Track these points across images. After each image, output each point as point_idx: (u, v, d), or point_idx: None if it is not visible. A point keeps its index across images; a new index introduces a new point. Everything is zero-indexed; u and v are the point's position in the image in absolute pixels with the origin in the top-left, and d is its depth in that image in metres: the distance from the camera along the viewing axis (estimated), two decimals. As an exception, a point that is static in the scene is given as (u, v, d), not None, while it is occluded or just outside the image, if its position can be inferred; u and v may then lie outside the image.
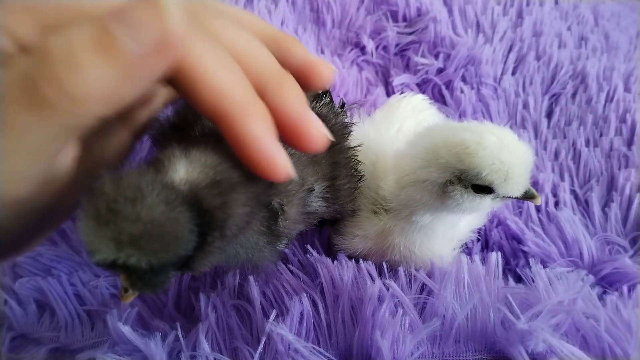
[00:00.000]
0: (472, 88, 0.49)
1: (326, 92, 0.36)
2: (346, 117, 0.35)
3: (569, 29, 0.53)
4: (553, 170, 0.44)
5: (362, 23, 0.53)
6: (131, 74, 0.19)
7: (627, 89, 0.48)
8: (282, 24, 0.52)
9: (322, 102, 0.34)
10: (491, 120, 0.47)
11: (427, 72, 0.50)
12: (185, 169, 0.22)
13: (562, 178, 0.44)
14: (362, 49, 0.52)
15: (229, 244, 0.24)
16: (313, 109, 0.27)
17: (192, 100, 0.22)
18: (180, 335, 0.30)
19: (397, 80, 0.50)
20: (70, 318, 0.37)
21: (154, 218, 0.20)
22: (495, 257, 0.36)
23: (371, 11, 0.54)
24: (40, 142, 0.19)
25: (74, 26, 0.18)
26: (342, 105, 0.39)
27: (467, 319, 0.31)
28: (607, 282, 0.38)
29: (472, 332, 0.32)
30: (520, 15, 0.54)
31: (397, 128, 0.39)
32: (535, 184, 0.43)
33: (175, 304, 0.35)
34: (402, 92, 0.48)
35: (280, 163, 0.22)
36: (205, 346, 0.29)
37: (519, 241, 0.40)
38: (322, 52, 0.51)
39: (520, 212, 0.41)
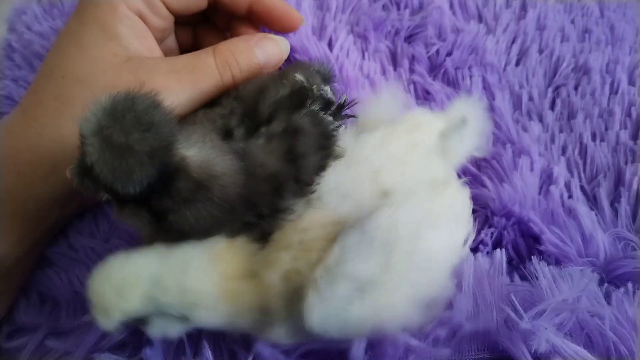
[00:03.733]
0: (479, 76, 0.48)
1: (312, 98, 0.32)
2: (332, 125, 0.32)
3: (572, 21, 0.52)
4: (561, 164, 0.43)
5: (366, 10, 0.52)
6: None
7: (631, 82, 0.47)
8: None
9: (305, 111, 0.31)
10: (494, 111, 0.46)
11: (436, 57, 0.49)
12: (194, 153, 0.25)
13: (571, 174, 0.43)
14: (368, 35, 0.51)
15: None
16: (291, 119, 0.30)
17: None
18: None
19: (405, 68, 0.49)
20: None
21: (134, 147, 0.23)
22: (499, 254, 0.35)
23: (373, 1, 0.53)
24: None
25: None
26: (342, 105, 0.35)
27: (470, 317, 0.31)
28: (619, 280, 0.37)
29: (475, 331, 0.31)
30: (523, 7, 0.53)
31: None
32: (549, 176, 0.42)
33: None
34: (412, 83, 0.47)
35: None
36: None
37: (535, 239, 0.39)
38: (330, 39, 0.50)
39: (538, 208, 0.40)
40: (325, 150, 0.31)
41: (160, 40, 0.37)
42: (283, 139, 0.29)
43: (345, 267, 0.25)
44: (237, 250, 0.29)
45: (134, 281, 0.26)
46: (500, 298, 0.32)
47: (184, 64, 0.34)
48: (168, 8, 0.36)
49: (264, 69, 0.36)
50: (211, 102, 0.34)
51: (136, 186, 0.24)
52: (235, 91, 0.34)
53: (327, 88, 0.34)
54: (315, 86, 0.32)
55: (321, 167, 0.30)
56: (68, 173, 0.26)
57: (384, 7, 0.52)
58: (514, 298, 0.31)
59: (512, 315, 0.30)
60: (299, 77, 0.31)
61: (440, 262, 0.29)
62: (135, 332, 0.33)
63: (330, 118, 0.32)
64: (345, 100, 0.35)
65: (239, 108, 0.31)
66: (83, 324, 0.34)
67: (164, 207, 0.25)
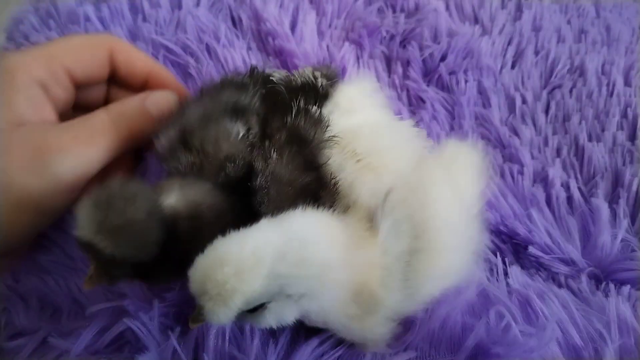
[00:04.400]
0: (474, 80, 0.48)
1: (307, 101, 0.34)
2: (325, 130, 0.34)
3: (568, 22, 0.52)
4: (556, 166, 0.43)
5: (361, 14, 0.52)
6: None
7: (627, 83, 0.47)
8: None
9: (301, 116, 0.33)
10: (488, 116, 0.46)
11: (430, 61, 0.49)
12: (176, 199, 0.29)
13: (567, 175, 0.43)
14: (362, 41, 0.51)
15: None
16: (284, 125, 0.32)
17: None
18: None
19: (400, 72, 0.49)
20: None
21: (134, 219, 0.26)
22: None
23: (368, 4, 0.53)
24: None
25: None
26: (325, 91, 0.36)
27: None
28: (618, 281, 0.37)
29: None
30: (519, 8, 0.53)
31: None
32: (544, 179, 0.42)
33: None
34: (406, 89, 0.47)
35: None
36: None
37: (527, 244, 0.39)
38: (327, 43, 0.50)
39: (531, 212, 0.40)
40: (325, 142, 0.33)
41: (64, 107, 0.39)
42: (294, 151, 0.31)
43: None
44: (341, 221, 0.28)
45: (257, 260, 0.24)
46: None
47: (79, 124, 0.36)
48: (71, 78, 0.38)
49: (156, 119, 0.38)
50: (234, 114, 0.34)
51: (154, 247, 0.27)
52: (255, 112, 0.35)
53: (324, 81, 0.36)
54: (310, 78, 0.35)
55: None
56: (87, 285, 0.28)
57: (379, 10, 0.52)
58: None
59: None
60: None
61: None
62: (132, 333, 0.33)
63: (318, 110, 0.34)
64: (322, 84, 0.36)
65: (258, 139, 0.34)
66: (82, 326, 0.35)
67: (182, 253, 0.27)
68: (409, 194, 0.29)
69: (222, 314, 0.24)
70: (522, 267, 0.38)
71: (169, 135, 0.33)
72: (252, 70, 0.38)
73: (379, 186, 0.30)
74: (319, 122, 0.33)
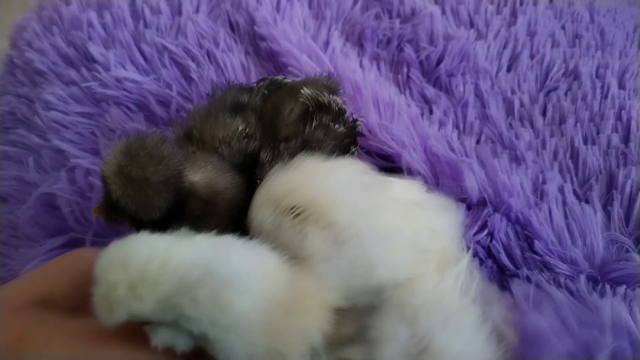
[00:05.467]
0: (472, 83, 0.49)
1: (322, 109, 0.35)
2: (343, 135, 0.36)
3: (562, 27, 0.53)
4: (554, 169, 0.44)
5: (359, 19, 0.53)
6: None
7: (621, 86, 0.48)
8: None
9: (316, 124, 0.35)
10: (488, 117, 0.46)
11: (427, 64, 0.50)
12: (200, 177, 0.30)
13: (564, 178, 0.43)
14: (362, 45, 0.52)
15: None
16: (301, 132, 0.33)
17: None
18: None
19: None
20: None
21: (150, 179, 0.27)
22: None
23: (365, 9, 0.54)
24: None
25: None
26: (354, 125, 0.38)
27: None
28: (614, 282, 0.38)
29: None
30: (514, 14, 0.54)
31: None
32: (542, 183, 0.43)
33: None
34: (409, 89, 0.47)
35: None
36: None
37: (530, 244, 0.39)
38: (327, 44, 0.51)
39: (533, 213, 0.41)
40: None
41: None
42: (304, 148, 0.33)
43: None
44: (286, 274, 0.24)
45: (160, 277, 0.20)
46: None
47: None
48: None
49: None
50: (235, 111, 0.35)
51: (157, 212, 0.28)
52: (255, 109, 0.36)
53: (336, 98, 0.37)
54: (323, 98, 0.35)
55: None
56: (94, 212, 0.29)
57: (376, 16, 0.53)
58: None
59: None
60: (307, 91, 0.35)
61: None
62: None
63: (342, 128, 0.36)
64: (356, 122, 0.38)
65: (259, 126, 0.35)
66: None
67: (180, 226, 0.26)
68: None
69: (104, 316, 0.21)
70: (528, 268, 0.39)
71: (178, 134, 0.35)
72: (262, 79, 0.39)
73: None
74: (337, 137, 0.35)
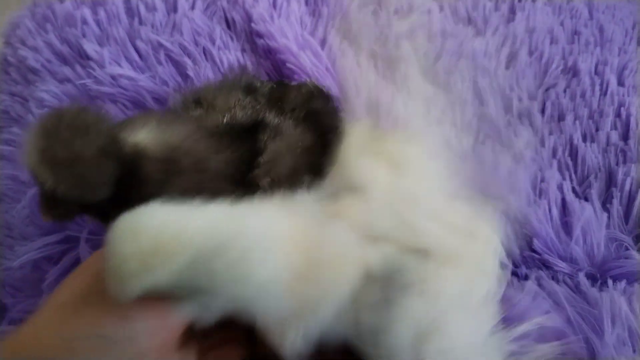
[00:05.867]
0: (470, 80, 0.48)
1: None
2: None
3: (561, 24, 0.52)
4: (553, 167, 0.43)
5: (356, 17, 0.52)
6: None
7: (620, 83, 0.47)
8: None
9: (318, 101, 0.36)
10: (487, 115, 0.46)
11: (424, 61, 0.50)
12: (145, 136, 0.25)
13: (562, 176, 0.43)
14: (358, 43, 0.52)
15: None
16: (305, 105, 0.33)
17: None
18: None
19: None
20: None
21: (81, 154, 0.22)
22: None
23: (362, 5, 0.54)
24: None
25: None
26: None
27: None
28: (613, 280, 0.38)
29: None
30: (512, 10, 0.53)
31: None
32: (541, 182, 0.43)
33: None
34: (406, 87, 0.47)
35: None
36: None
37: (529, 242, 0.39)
38: (324, 42, 0.51)
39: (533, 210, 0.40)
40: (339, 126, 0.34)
41: None
42: (308, 120, 0.32)
43: None
44: (314, 231, 0.23)
45: (171, 249, 0.19)
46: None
47: None
48: None
49: None
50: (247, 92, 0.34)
51: (104, 190, 0.23)
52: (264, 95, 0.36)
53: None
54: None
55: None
56: (43, 217, 0.25)
57: (374, 12, 0.53)
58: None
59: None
60: (312, 82, 0.37)
61: None
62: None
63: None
64: None
65: (267, 105, 0.33)
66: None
67: (146, 197, 0.24)
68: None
69: (117, 290, 0.20)
70: (526, 267, 0.39)
71: (185, 97, 0.33)
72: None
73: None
74: (338, 119, 0.35)
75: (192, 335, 0.25)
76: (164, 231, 0.20)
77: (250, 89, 0.34)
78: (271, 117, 0.31)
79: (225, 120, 0.29)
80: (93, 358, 0.21)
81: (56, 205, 0.24)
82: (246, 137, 0.29)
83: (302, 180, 0.29)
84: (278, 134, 0.30)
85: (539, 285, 0.36)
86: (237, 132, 0.29)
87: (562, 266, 0.38)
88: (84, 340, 0.21)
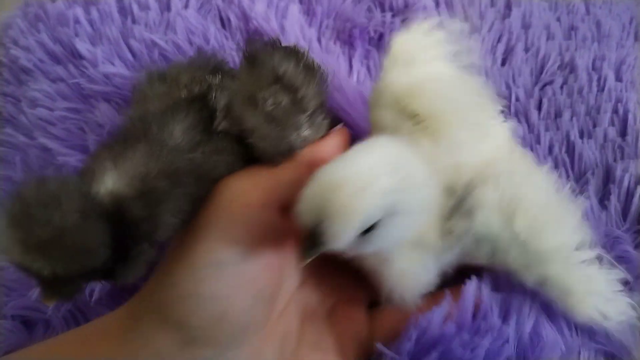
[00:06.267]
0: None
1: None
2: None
3: (558, 19, 0.52)
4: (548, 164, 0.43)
5: (350, 15, 0.52)
6: None
7: (618, 79, 0.47)
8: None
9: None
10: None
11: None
12: (112, 181, 0.23)
13: (559, 172, 0.43)
14: (353, 42, 0.51)
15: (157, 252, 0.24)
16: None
17: None
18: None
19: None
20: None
21: (64, 226, 0.20)
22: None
23: (357, 2, 0.53)
24: None
25: None
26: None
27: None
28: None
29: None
30: (508, 6, 0.53)
31: None
32: None
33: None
34: None
35: None
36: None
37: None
38: (319, 41, 0.50)
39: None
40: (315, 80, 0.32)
41: None
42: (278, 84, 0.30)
43: None
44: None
45: (373, 177, 0.23)
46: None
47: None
48: None
49: None
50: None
51: (103, 249, 0.22)
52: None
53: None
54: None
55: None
56: (46, 302, 0.23)
57: (368, 10, 0.52)
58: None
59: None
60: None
61: None
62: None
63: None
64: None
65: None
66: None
67: (145, 235, 0.24)
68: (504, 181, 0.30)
69: (344, 236, 0.23)
70: None
71: (151, 74, 0.32)
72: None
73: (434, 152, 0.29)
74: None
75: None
76: (359, 171, 0.23)
77: (216, 71, 0.32)
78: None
79: (183, 95, 0.28)
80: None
81: (60, 287, 0.22)
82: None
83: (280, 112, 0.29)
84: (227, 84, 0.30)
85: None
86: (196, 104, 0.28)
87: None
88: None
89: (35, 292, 0.39)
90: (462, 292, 0.31)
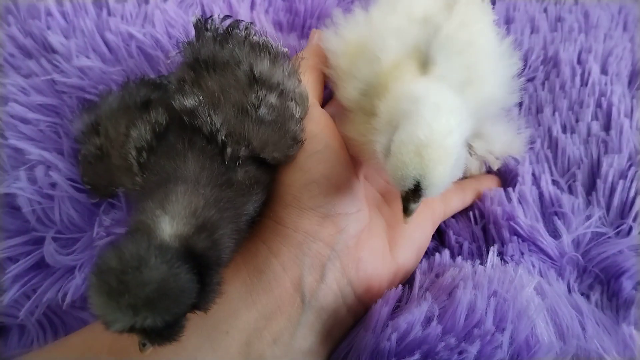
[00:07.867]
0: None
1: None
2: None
3: (544, 10, 0.51)
4: (531, 162, 0.43)
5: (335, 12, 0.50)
6: None
7: (603, 71, 0.46)
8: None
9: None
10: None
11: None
12: (169, 225, 0.25)
13: (542, 168, 0.42)
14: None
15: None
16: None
17: None
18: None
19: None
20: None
21: (160, 279, 0.22)
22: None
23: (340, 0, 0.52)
24: None
25: None
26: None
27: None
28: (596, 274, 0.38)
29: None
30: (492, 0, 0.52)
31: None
32: (514, 177, 0.42)
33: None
34: None
35: None
36: None
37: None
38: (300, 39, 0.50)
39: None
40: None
41: None
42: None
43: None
44: None
45: (453, 107, 0.26)
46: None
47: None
48: None
49: None
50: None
51: (193, 284, 0.24)
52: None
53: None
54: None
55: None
56: (143, 353, 0.24)
57: (350, 9, 0.51)
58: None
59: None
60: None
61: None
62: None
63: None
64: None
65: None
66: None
67: (219, 261, 0.26)
68: (457, 32, 0.32)
69: (445, 183, 0.25)
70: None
71: (86, 121, 0.35)
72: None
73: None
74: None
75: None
76: (439, 109, 0.26)
77: (146, 104, 0.33)
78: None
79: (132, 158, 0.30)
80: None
81: (169, 333, 0.24)
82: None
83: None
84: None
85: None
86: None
87: (545, 257, 0.38)
88: None
89: (5, 298, 0.38)
90: (456, 297, 0.30)
